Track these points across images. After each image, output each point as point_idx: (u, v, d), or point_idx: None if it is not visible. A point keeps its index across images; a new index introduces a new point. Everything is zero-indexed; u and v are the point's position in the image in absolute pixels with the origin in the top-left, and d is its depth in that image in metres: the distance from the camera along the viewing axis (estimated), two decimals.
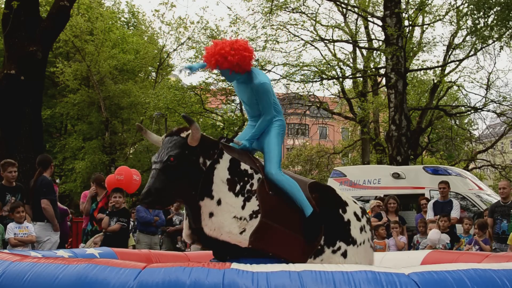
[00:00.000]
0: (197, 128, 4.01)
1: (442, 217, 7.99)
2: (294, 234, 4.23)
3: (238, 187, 4.14)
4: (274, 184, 4.26)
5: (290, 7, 18.09)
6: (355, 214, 4.64)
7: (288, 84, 20.85)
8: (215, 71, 5.13)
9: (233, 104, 23.23)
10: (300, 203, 4.26)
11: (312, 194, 4.40)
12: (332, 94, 22.81)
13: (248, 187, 4.18)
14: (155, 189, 3.89)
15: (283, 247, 4.17)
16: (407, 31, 16.45)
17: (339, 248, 4.42)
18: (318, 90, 24.54)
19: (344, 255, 4.42)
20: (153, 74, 26.12)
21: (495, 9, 13.01)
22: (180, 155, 3.98)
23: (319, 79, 18.65)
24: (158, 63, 24.15)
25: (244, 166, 4.25)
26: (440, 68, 18.78)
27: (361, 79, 21.53)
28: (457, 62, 19.85)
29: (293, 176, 4.55)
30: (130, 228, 8.80)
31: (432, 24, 18.60)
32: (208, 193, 4.07)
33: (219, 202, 4.08)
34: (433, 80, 19.81)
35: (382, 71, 18.23)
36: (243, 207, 4.11)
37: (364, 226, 4.68)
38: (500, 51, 17.36)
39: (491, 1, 12.76)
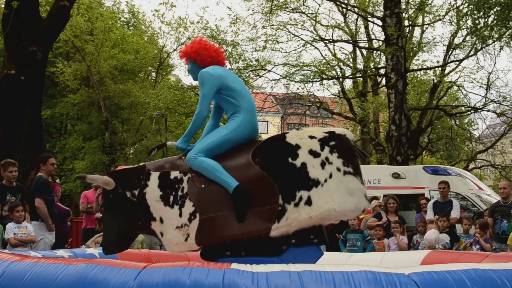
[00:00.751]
0: (93, 178, 4.42)
1: (441, 217, 8.00)
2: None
3: (171, 198, 4.23)
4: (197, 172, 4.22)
5: (290, 7, 18.11)
6: (310, 152, 4.13)
7: (288, 84, 20.89)
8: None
9: None
10: (221, 183, 4.11)
11: (255, 159, 4.17)
12: (332, 94, 22.83)
13: (180, 193, 4.23)
14: (106, 242, 4.41)
15: (236, 229, 4.08)
16: (407, 31, 16.45)
17: (300, 199, 4.02)
18: (318, 90, 24.57)
19: (309, 202, 4.01)
20: (153, 74, 26.12)
21: (495, 9, 13.02)
22: (106, 202, 4.42)
23: (319, 79, 18.66)
24: (158, 63, 24.16)
25: (173, 174, 4.31)
26: (440, 68, 18.79)
27: (361, 79, 21.53)
28: (457, 62, 19.87)
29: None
30: None
31: (432, 24, 18.62)
32: (150, 217, 4.28)
33: (161, 221, 4.25)
34: (433, 80, 19.82)
35: (382, 71, 18.23)
36: (180, 215, 4.19)
37: (327, 158, 4.09)
38: (500, 51, 17.37)
39: (491, 1, 12.76)
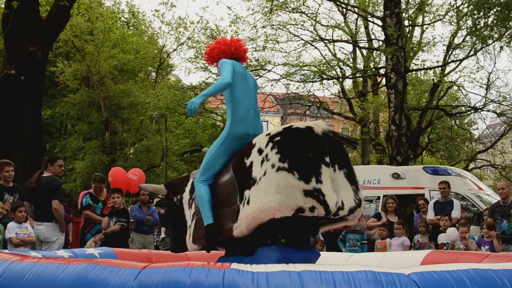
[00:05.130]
0: (146, 187, 5.57)
1: (443, 217, 8.02)
2: (219, 211, 4.29)
3: (190, 202, 4.67)
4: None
5: (290, 7, 18.10)
6: (258, 150, 3.97)
7: (288, 84, 20.89)
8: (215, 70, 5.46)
9: None
10: (202, 214, 4.31)
11: (232, 161, 4.27)
12: (332, 94, 22.83)
13: (192, 196, 4.62)
14: (171, 243, 5.36)
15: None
16: (407, 31, 16.44)
17: (245, 198, 3.95)
18: (318, 90, 24.54)
19: (248, 201, 3.92)
20: (153, 74, 26.11)
21: (495, 10, 13.01)
22: (166, 205, 5.13)
23: (319, 79, 18.65)
24: (158, 63, 24.15)
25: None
26: (440, 68, 18.78)
27: (361, 79, 21.53)
28: (457, 62, 19.86)
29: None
30: (131, 227, 8.82)
31: (432, 24, 18.62)
32: (186, 220, 4.75)
33: (187, 222, 4.71)
34: (433, 80, 19.81)
35: (382, 71, 18.22)
36: (189, 216, 4.62)
37: (266, 155, 3.87)
38: (500, 51, 17.37)
39: (490, 1, 12.75)
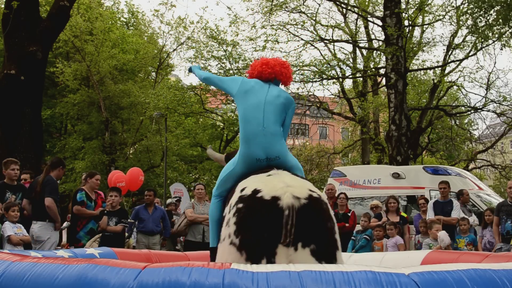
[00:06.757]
0: (211, 153, 4.92)
1: (462, 221, 8.06)
2: None
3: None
4: None
5: (289, 7, 18.10)
6: (229, 206, 3.57)
7: None
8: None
9: (233, 104, 23.23)
10: (211, 232, 4.16)
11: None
12: (332, 94, 22.83)
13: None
14: None
15: None
16: (407, 31, 16.45)
17: None
18: (318, 90, 24.61)
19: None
20: (153, 74, 26.12)
21: (496, 8, 12.99)
22: None
23: (319, 79, 18.64)
24: (158, 63, 24.16)
25: None
26: (440, 68, 18.78)
27: (361, 79, 21.53)
28: (457, 62, 19.86)
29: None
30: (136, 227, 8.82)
31: (432, 24, 18.62)
32: None
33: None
34: (433, 80, 19.82)
35: (382, 71, 18.22)
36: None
37: (229, 220, 3.44)
38: (501, 50, 17.35)
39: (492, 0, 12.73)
